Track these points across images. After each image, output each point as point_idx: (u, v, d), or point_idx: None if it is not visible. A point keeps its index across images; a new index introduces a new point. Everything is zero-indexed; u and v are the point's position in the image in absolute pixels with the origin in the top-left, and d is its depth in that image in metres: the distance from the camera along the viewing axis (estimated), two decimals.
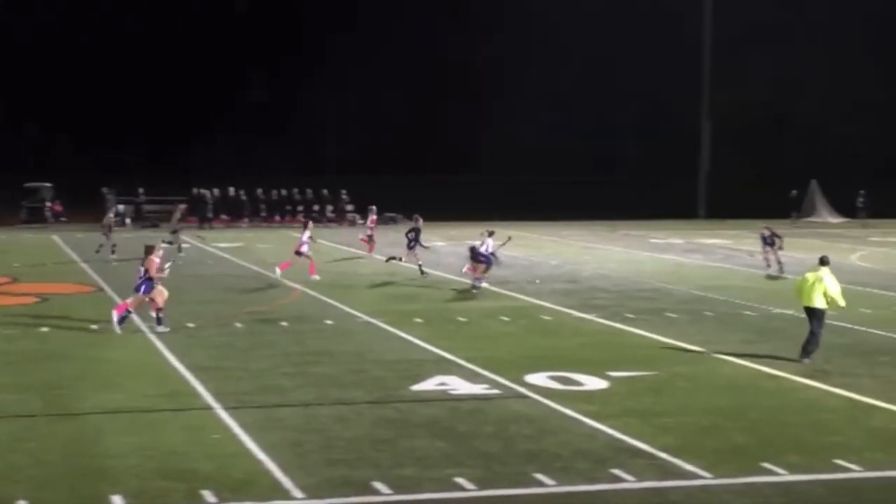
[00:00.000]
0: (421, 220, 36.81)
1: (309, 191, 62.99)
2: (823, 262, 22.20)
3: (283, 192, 62.65)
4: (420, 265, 35.58)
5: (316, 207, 62.37)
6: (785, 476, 13.74)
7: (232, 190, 61.33)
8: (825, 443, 15.27)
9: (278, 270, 34.10)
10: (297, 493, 13.12)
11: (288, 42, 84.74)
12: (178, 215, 44.11)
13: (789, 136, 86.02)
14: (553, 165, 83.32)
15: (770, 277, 35.85)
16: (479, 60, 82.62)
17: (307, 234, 34.64)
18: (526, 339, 23.83)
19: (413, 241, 35.97)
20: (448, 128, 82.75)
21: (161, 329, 23.88)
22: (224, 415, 16.75)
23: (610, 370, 19.97)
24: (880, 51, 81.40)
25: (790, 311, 27.75)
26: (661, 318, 26.91)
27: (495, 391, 18.44)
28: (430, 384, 18.86)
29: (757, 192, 72.16)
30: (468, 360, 20.92)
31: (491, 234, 33.46)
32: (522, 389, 18.48)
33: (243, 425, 16.05)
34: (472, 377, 19.48)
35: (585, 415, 16.67)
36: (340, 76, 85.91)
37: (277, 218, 61.23)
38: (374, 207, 44.17)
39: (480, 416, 16.72)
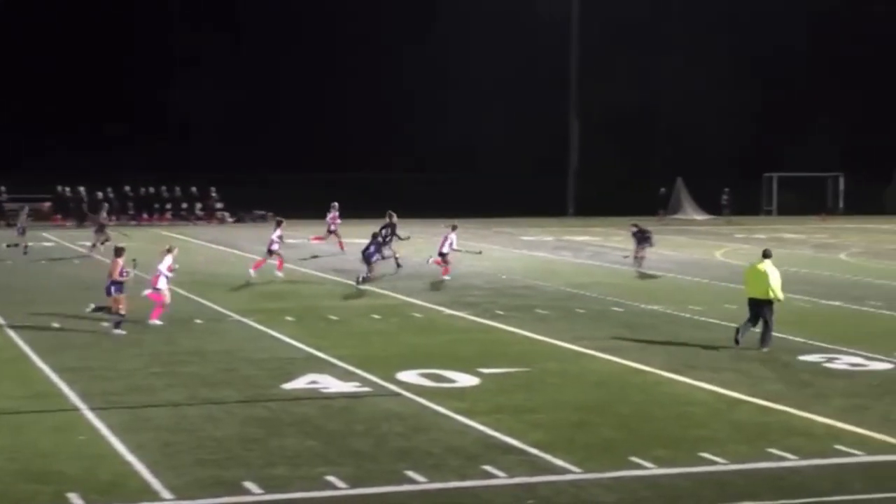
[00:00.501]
0: (395, 216, 36.94)
1: (178, 188, 62.22)
2: (766, 254, 23.20)
3: (152, 189, 61.79)
4: (397, 258, 35.71)
5: (185, 205, 61.68)
6: (652, 469, 13.97)
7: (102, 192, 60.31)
8: (691, 436, 15.56)
9: (252, 272, 33.90)
10: (167, 493, 12.96)
11: (160, 38, 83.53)
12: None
13: (657, 133, 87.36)
14: (426, 163, 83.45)
15: (643, 276, 36.37)
16: (356, 59, 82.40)
17: (278, 232, 34.56)
18: (398, 337, 23.86)
19: (388, 236, 36.00)
20: (323, 125, 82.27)
21: (117, 332, 23.31)
22: (91, 416, 16.47)
23: (481, 367, 20.09)
24: (743, 50, 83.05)
25: (658, 307, 28.25)
26: (532, 314, 27.16)
27: (367, 389, 18.43)
28: (301, 383, 18.78)
29: (625, 189, 73.21)
30: (339, 359, 20.87)
31: (454, 228, 34.73)
32: (394, 387, 18.50)
33: (111, 426, 15.80)
34: (344, 375, 19.44)
35: (457, 412, 16.74)
36: (214, 72, 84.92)
37: (145, 216, 60.36)
38: (335, 204, 43.55)
39: (352, 414, 16.70)
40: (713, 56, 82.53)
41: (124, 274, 23.70)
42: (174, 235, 44.19)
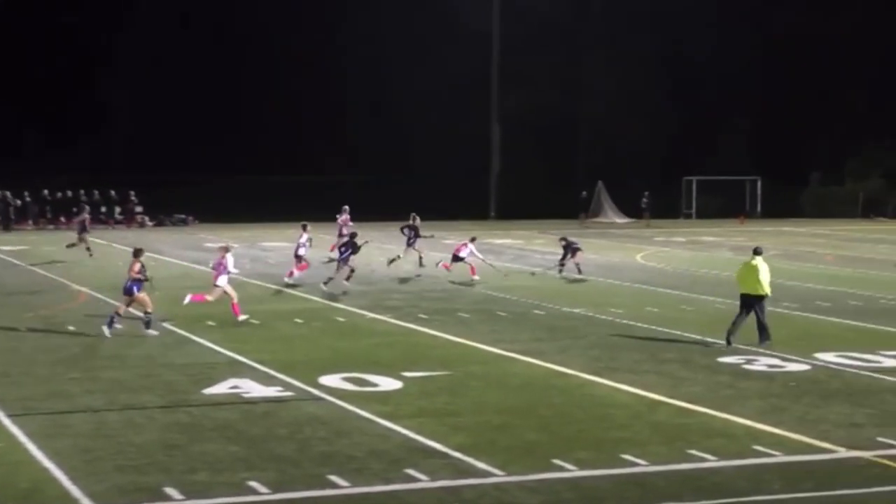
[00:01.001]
0: (418, 219, 38.31)
1: (96, 192, 61.54)
2: (757, 252, 23.86)
3: (69, 193, 61.04)
4: (420, 257, 37.76)
5: (103, 209, 61.02)
6: (574, 472, 14.06)
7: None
8: (612, 438, 15.68)
9: (287, 279, 33.99)
10: (86, 500, 12.82)
11: (72, 36, 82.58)
12: (85, 216, 43.41)
13: (578, 137, 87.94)
14: (347, 165, 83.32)
15: (565, 279, 36.56)
16: (278, 60, 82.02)
17: (305, 236, 34.62)
18: (320, 341, 23.81)
19: (412, 238, 37.63)
20: (238, 128, 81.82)
21: (108, 328, 23.66)
22: (8, 422, 16.24)
23: (404, 371, 20.10)
24: (664, 55, 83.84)
25: (579, 310, 28.43)
26: (453, 318, 27.21)
27: (289, 393, 18.36)
28: (222, 387, 18.67)
29: (547, 193, 73.66)
30: (261, 363, 20.77)
31: (473, 240, 36.30)
32: (316, 391, 18.45)
33: (29, 433, 15.59)
34: (266, 380, 19.35)
35: (380, 416, 16.74)
36: (130, 73, 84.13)
37: (63, 220, 59.60)
38: (346, 207, 43.87)
39: (274, 418, 16.63)
40: (633, 59, 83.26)
41: (143, 273, 24.09)
42: (94, 240, 43.63)
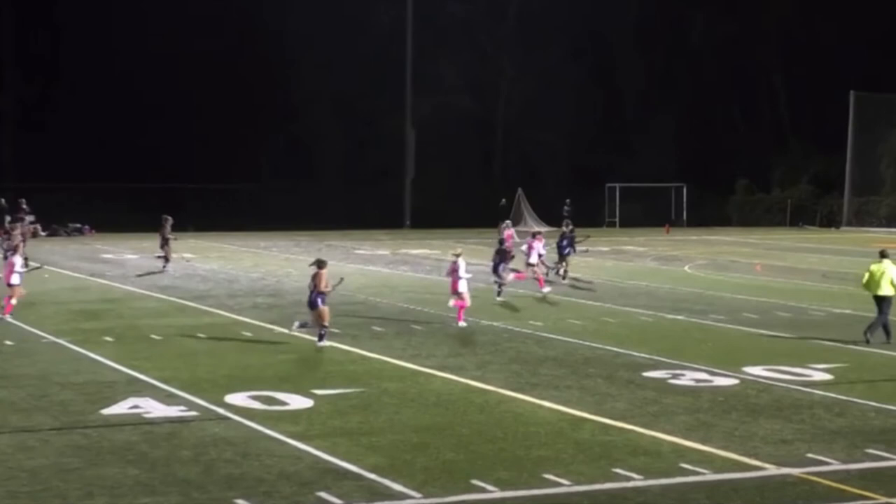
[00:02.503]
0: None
1: None
2: (884, 254, 26.65)
3: None
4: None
5: None
6: (494, 493, 14.07)
7: None
8: (534, 457, 15.73)
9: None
10: None
11: None
12: (168, 226, 42.93)
13: (497, 143, 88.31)
14: (253, 172, 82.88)
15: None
16: (175, 62, 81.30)
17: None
18: (226, 357, 23.63)
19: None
20: (140, 134, 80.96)
21: (322, 344, 24.62)
22: None
23: (315, 388, 20.01)
24: (584, 59, 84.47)
25: (499, 323, 28.52)
26: (368, 332, 27.17)
27: (193, 413, 18.20)
28: (121, 407, 18.45)
29: (465, 200, 73.87)
30: (163, 381, 20.57)
31: (535, 235, 36.91)
32: (222, 410, 18.31)
33: None
34: (168, 399, 19.16)
35: (290, 436, 16.65)
36: (18, 76, 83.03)
37: None
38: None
39: (177, 440, 16.47)
40: (552, 63, 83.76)
41: (329, 287, 24.86)
42: None
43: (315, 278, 24.88)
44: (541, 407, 18.97)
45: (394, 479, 14.49)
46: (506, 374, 21.72)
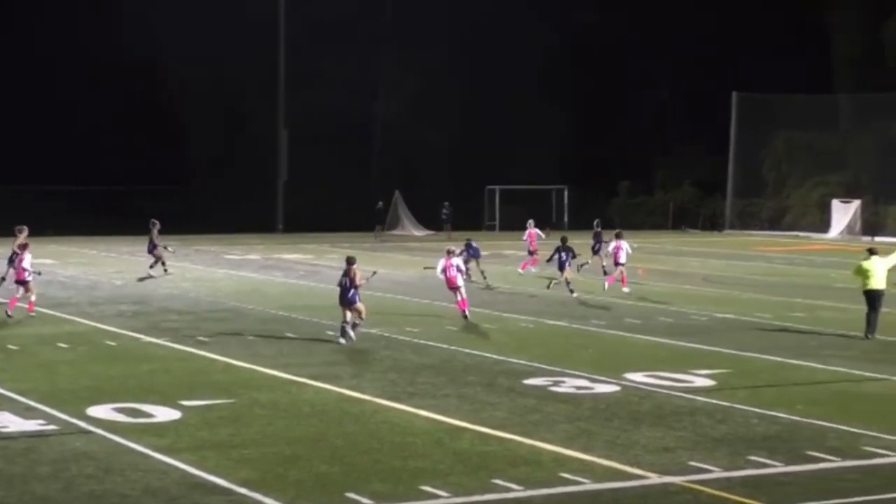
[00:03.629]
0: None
1: None
2: (873, 252, 28.76)
3: None
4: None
5: None
6: None
7: None
8: (411, 468, 15.75)
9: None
10: None
11: None
12: (155, 231, 43.01)
13: (372, 144, 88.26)
14: (123, 175, 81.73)
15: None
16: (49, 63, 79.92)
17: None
18: (88, 368, 23.30)
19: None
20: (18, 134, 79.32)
21: (343, 341, 26.12)
22: None
23: (183, 399, 19.82)
24: (463, 57, 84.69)
25: (375, 330, 28.49)
26: (238, 340, 26.99)
27: (52, 427, 17.91)
28: None
29: (340, 204, 73.74)
30: (20, 393, 20.21)
31: (619, 235, 39.16)
32: (84, 424, 18.04)
33: None
34: (25, 412, 18.83)
35: (156, 449, 16.47)
36: None
37: None
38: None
39: (35, 455, 16.19)
40: (430, 62, 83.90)
41: (363, 280, 26.59)
42: None
43: (349, 274, 26.29)
44: (418, 416, 19.00)
45: (265, 493, 14.42)
46: (382, 383, 21.72)
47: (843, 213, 75.23)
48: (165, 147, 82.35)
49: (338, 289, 26.80)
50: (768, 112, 78.08)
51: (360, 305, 26.43)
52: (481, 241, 63.44)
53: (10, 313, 30.10)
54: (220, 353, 25.11)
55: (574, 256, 37.99)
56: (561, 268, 37.32)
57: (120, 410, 18.99)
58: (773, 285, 41.77)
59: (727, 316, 32.39)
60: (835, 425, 18.47)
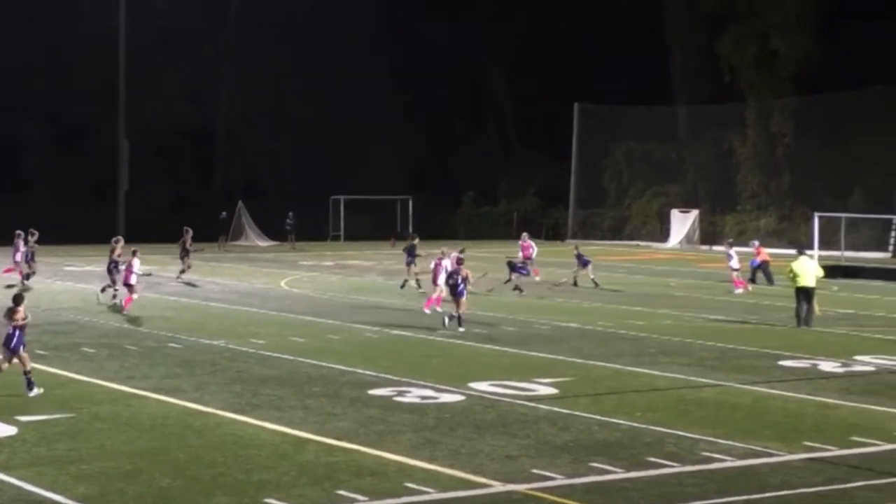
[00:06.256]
0: (417, 239, 44.62)
1: None
2: (802, 253, 33.48)
3: None
4: (418, 279, 41.46)
5: None
6: None
7: None
8: (255, 480, 15.62)
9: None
10: None
11: None
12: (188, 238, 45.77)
13: (215, 153, 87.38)
14: None
15: (201, 309, 36.21)
16: None
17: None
18: None
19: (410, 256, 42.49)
20: None
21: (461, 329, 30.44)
22: None
23: (19, 415, 19.38)
24: (305, 67, 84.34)
25: (219, 342, 28.23)
26: (77, 353, 26.51)
27: None
28: None
29: (182, 213, 72.82)
30: None
31: (731, 244, 45.88)
32: None
33: None
34: None
35: None
36: None
37: None
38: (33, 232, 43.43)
39: None
40: (274, 70, 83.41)
41: (474, 278, 32.80)
42: None
43: (460, 273, 31.26)
44: (263, 429, 18.87)
45: None
46: (226, 396, 21.52)
47: (682, 223, 76.72)
48: (1, 156, 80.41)
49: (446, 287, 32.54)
50: (609, 123, 79.35)
51: (464, 300, 31.13)
52: (326, 252, 63.53)
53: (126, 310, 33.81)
54: (59, 366, 24.63)
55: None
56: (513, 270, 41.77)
57: None
58: (614, 294, 42.40)
59: (570, 325, 32.78)
60: (673, 431, 18.82)
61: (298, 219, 69.58)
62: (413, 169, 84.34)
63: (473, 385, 22.76)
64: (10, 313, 21.68)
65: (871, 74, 66.44)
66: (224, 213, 69.82)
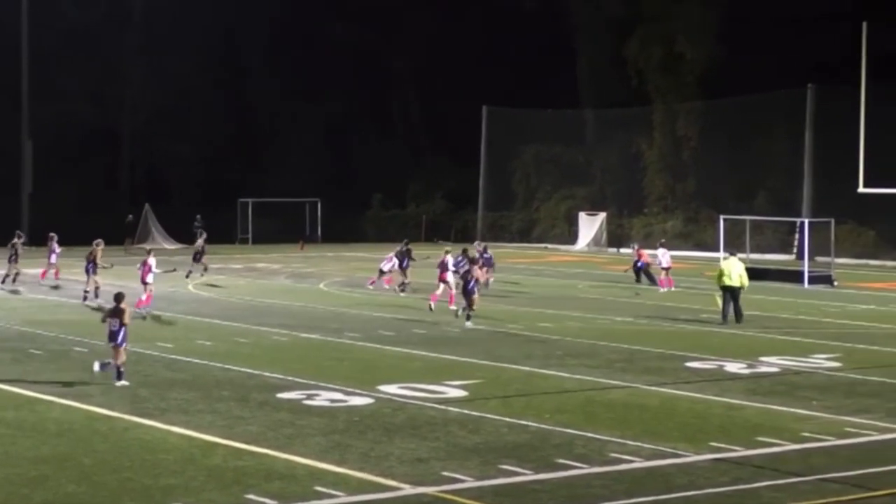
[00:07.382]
0: (410, 244, 45.72)
1: None
2: (733, 254, 35.79)
3: None
4: (406, 283, 42.78)
5: None
6: None
7: None
8: (162, 485, 15.50)
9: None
10: None
11: None
12: (201, 241, 47.48)
13: (120, 155, 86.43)
14: None
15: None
16: None
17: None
18: None
19: (404, 260, 43.56)
20: None
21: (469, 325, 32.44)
22: None
23: None
24: (212, 69, 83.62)
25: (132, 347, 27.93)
26: None
27: None
28: None
29: (87, 216, 71.96)
30: None
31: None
32: None
33: None
34: None
35: None
36: None
37: None
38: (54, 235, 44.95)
39: None
40: (182, 74, 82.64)
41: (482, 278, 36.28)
42: None
43: (472, 273, 33.56)
44: (170, 433, 18.73)
45: None
46: (132, 400, 21.32)
47: (590, 226, 77.23)
48: None
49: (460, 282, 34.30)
50: (517, 126, 79.58)
51: (476, 297, 33.26)
52: (234, 256, 63.13)
53: (144, 313, 33.60)
54: None
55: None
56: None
57: None
58: (523, 296, 42.60)
59: (479, 327, 32.86)
60: (582, 433, 18.96)
61: (206, 221, 69.01)
62: (321, 171, 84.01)
63: (383, 388, 22.76)
64: (119, 313, 22.89)
65: (774, 78, 67.31)
66: (130, 216, 69.18)
